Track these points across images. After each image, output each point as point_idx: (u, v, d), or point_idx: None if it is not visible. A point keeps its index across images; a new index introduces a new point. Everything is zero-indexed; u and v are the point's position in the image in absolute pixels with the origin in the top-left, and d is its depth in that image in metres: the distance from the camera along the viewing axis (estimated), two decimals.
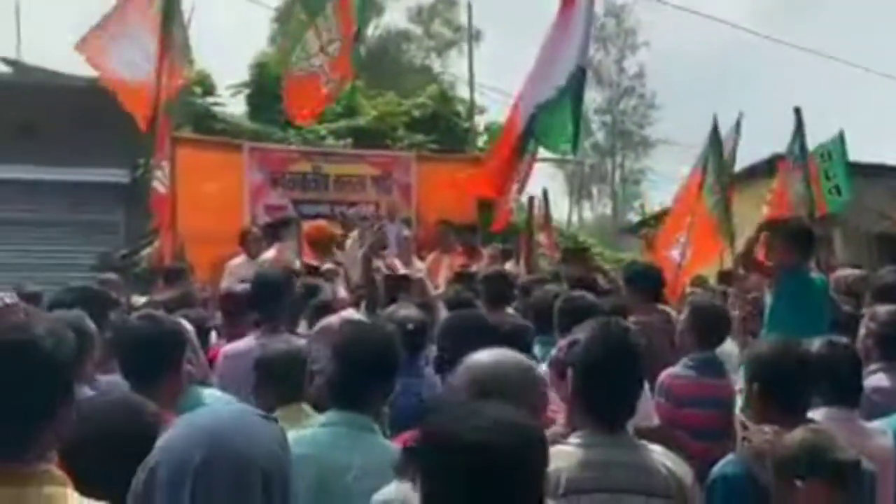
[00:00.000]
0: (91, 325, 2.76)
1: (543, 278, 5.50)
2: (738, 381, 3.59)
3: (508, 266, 6.55)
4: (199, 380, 3.14)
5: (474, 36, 16.44)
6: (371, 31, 27.56)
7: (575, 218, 35.01)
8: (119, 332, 2.78)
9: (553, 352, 3.61)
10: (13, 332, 1.51)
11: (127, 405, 1.80)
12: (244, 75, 12.53)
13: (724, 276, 6.86)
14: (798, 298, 4.30)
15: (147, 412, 1.76)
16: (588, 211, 39.84)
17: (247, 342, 3.69)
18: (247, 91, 12.33)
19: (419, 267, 6.91)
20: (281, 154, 9.13)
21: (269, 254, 6.36)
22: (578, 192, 37.94)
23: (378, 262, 5.40)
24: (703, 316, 3.88)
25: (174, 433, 1.38)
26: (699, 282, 7.34)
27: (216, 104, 11.55)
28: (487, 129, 12.95)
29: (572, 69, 5.45)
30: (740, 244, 5.28)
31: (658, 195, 32.16)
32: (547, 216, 8.31)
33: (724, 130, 6.80)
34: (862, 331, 3.52)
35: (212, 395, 2.83)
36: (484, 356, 2.00)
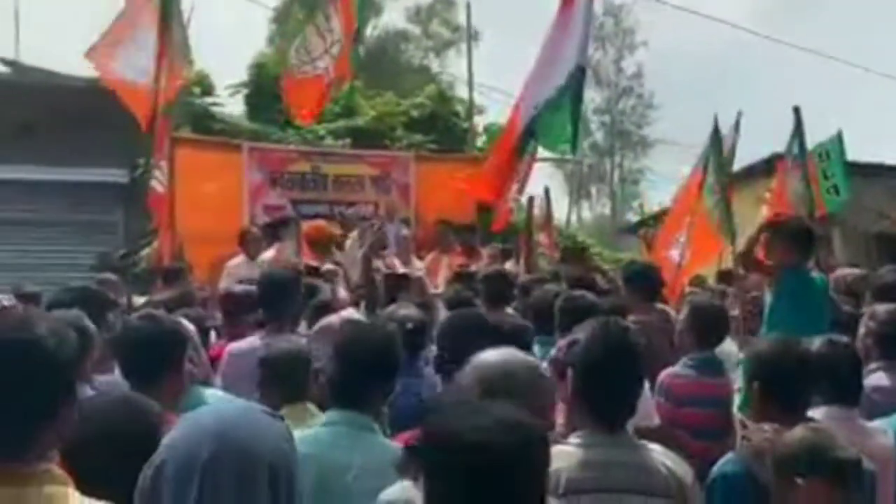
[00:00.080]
0: (90, 324, 2.76)
1: (543, 278, 5.50)
2: (737, 379, 3.61)
3: (508, 266, 6.56)
4: (202, 379, 3.13)
5: (473, 36, 16.40)
6: (369, 31, 27.57)
7: (574, 218, 35.02)
8: (119, 332, 2.78)
9: (552, 351, 3.63)
10: (15, 331, 1.51)
11: (129, 405, 1.80)
12: (243, 75, 12.54)
13: (724, 276, 6.87)
14: (798, 298, 4.30)
15: (149, 412, 1.76)
16: (587, 211, 39.91)
17: (252, 341, 3.70)
18: (245, 91, 12.33)
19: (418, 266, 6.92)
20: (280, 154, 9.13)
21: (269, 254, 6.36)
22: (577, 192, 37.95)
23: (377, 262, 5.40)
24: (703, 315, 3.89)
25: (181, 430, 1.38)
26: (698, 281, 7.35)
27: (215, 104, 11.55)
28: (486, 129, 12.95)
29: (571, 69, 5.45)
30: (741, 243, 5.28)
31: (657, 195, 32.25)
32: (548, 215, 8.31)
33: (724, 130, 6.80)
34: (861, 330, 3.53)
35: (214, 394, 2.83)
36: (491, 356, 1.99)
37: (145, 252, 6.25)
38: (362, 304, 4.71)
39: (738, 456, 2.46)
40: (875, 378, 3.24)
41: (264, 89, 11.82)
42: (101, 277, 5.76)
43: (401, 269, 6.21)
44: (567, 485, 1.95)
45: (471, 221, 8.37)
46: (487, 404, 1.47)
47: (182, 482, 1.30)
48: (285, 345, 3.01)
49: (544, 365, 2.60)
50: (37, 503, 1.43)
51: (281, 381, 2.77)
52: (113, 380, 2.80)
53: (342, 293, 5.15)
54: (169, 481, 1.31)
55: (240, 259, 6.75)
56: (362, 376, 2.33)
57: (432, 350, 3.41)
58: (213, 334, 4.58)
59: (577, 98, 5.60)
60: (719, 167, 6.35)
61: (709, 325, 3.86)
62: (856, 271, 5.67)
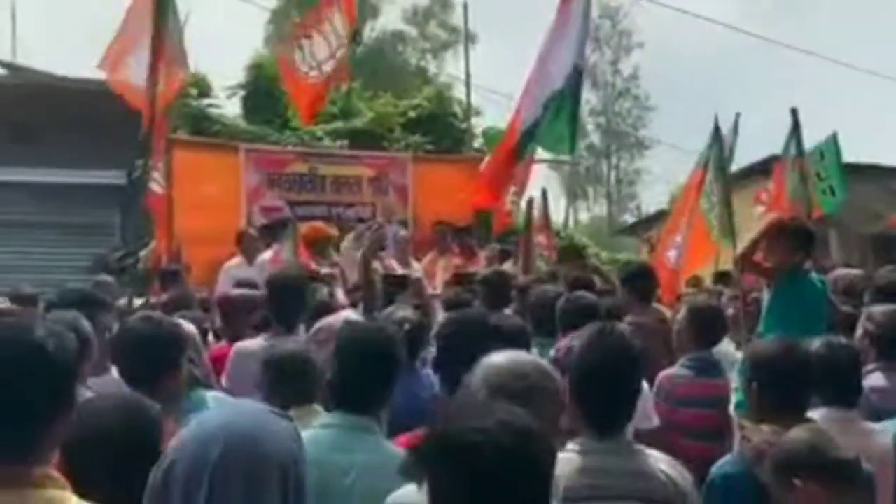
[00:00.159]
0: (87, 326, 2.76)
1: (541, 279, 5.51)
2: (734, 380, 3.61)
3: (506, 267, 6.56)
4: (203, 381, 3.12)
5: (470, 38, 16.40)
6: (367, 32, 27.57)
7: (571, 219, 35.03)
8: (117, 334, 2.77)
9: (552, 352, 3.64)
10: (14, 333, 1.51)
11: (129, 406, 1.80)
12: (240, 77, 12.52)
13: (721, 277, 6.87)
14: (797, 299, 4.31)
15: (149, 413, 1.76)
16: (584, 212, 39.95)
17: (258, 342, 3.70)
18: (242, 93, 12.31)
19: (416, 268, 6.92)
20: (277, 155, 9.14)
21: (266, 255, 6.36)
22: (574, 193, 37.98)
23: (376, 263, 5.39)
24: (701, 316, 3.90)
25: (191, 431, 1.38)
26: (695, 282, 7.36)
27: (212, 106, 11.51)
28: (484, 133, 12.94)
29: (569, 71, 5.47)
30: (740, 246, 5.29)
31: (653, 196, 32.27)
32: (546, 217, 8.31)
33: (723, 131, 6.80)
34: (859, 331, 3.53)
35: (216, 397, 2.83)
36: (501, 358, 1.98)
37: (143, 253, 6.23)
38: (360, 306, 4.71)
39: (738, 456, 2.47)
40: (873, 379, 3.25)
41: (261, 91, 11.81)
42: (98, 279, 5.75)
43: (399, 271, 6.21)
44: (564, 492, 1.94)
45: (469, 223, 8.37)
46: (491, 406, 1.46)
47: (192, 483, 1.31)
48: (291, 346, 2.99)
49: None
50: None
51: (288, 383, 2.75)
52: (109, 379, 2.80)
53: (341, 297, 5.15)
54: (179, 482, 1.32)
55: (237, 260, 6.75)
56: (363, 378, 2.32)
57: (430, 351, 3.41)
58: (210, 336, 4.59)
59: (575, 99, 5.62)
60: (720, 168, 6.35)
61: (707, 326, 3.87)
62: (853, 272, 5.68)
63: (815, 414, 2.61)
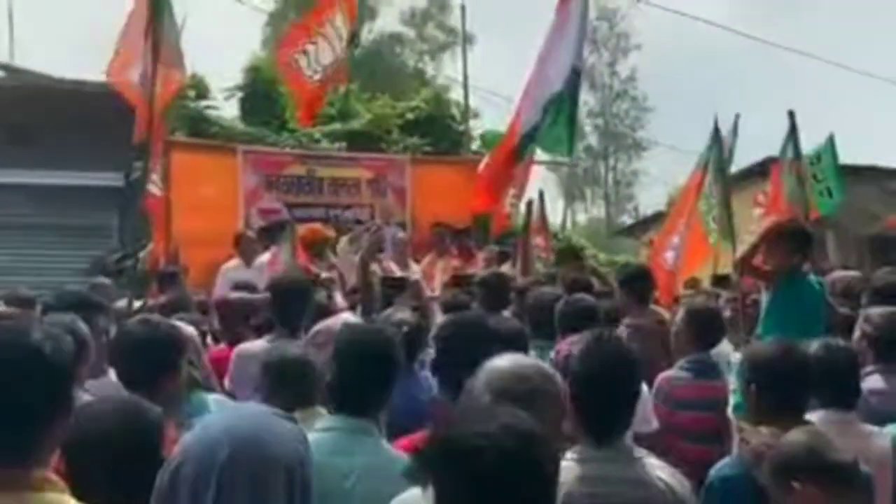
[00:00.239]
0: (85, 328, 2.75)
1: (539, 281, 5.51)
2: (732, 382, 3.61)
3: (504, 269, 6.56)
4: (203, 383, 3.11)
5: (467, 39, 16.43)
6: (365, 34, 27.56)
7: (568, 221, 35.04)
8: (116, 337, 2.77)
9: (552, 354, 3.64)
10: (11, 336, 1.50)
11: (129, 409, 1.80)
12: (237, 79, 12.51)
13: (720, 280, 6.87)
14: (795, 301, 4.31)
15: (150, 416, 1.75)
16: (581, 214, 39.97)
17: (261, 344, 3.69)
18: (240, 94, 12.31)
19: (415, 270, 6.92)
20: (275, 157, 9.13)
21: (264, 257, 6.35)
22: (572, 195, 38.00)
23: (374, 265, 5.39)
24: (699, 318, 3.90)
25: (196, 434, 1.39)
26: (693, 283, 7.36)
27: (209, 108, 11.51)
28: (482, 137, 12.96)
29: (567, 73, 5.48)
30: (739, 248, 5.29)
31: (651, 198, 32.30)
32: (543, 218, 8.32)
33: (722, 133, 6.80)
34: (856, 333, 3.53)
35: (217, 400, 2.82)
36: (503, 361, 1.98)
37: (142, 255, 6.22)
38: (358, 308, 4.70)
39: (737, 459, 2.47)
40: (871, 381, 3.25)
41: (259, 93, 11.81)
42: (95, 281, 5.74)
43: (397, 273, 6.21)
44: (563, 501, 1.94)
45: (467, 225, 8.37)
46: (494, 410, 1.46)
47: (199, 484, 1.31)
48: (291, 349, 2.98)
49: None
50: None
51: (289, 386, 2.74)
52: (106, 382, 2.79)
53: (340, 300, 5.14)
54: (186, 483, 1.32)
55: (235, 262, 6.75)
56: (362, 380, 2.32)
57: (429, 353, 3.41)
58: (209, 338, 4.58)
59: (573, 101, 5.63)
60: (719, 169, 6.35)
61: (705, 328, 3.87)
62: (851, 274, 5.68)
63: (813, 416, 2.61)
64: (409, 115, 12.52)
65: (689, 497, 2.09)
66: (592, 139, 38.35)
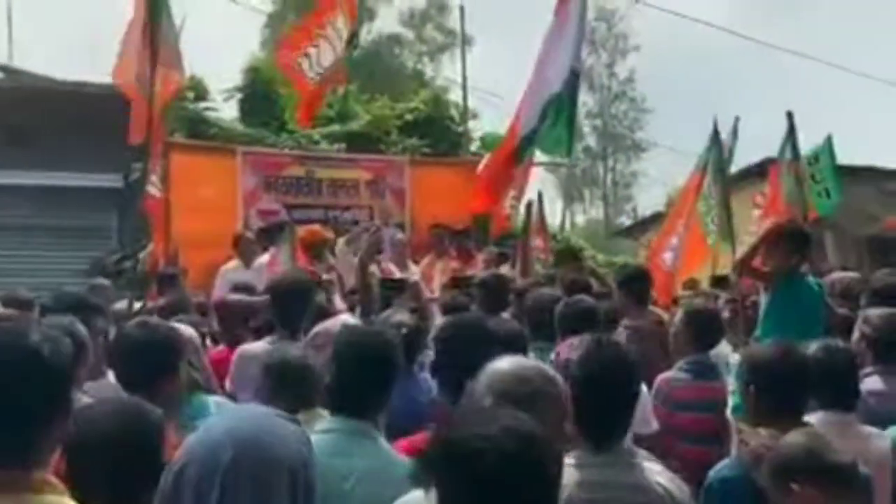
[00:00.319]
0: (83, 330, 2.75)
1: (538, 282, 5.51)
2: (731, 383, 3.61)
3: (504, 270, 6.56)
4: (204, 385, 3.11)
5: (466, 40, 16.43)
6: (363, 35, 27.57)
7: (567, 222, 35.05)
8: (114, 339, 2.76)
9: (551, 357, 3.64)
10: (10, 338, 1.50)
11: (129, 411, 1.80)
12: (236, 80, 12.51)
13: (719, 281, 6.87)
14: (794, 302, 4.31)
15: (150, 418, 1.75)
16: (580, 215, 39.97)
17: (262, 345, 3.69)
18: (239, 95, 12.30)
19: (414, 271, 6.92)
20: (274, 158, 9.13)
21: (263, 258, 6.35)
22: (570, 196, 38.01)
23: (373, 267, 5.39)
24: (697, 319, 3.91)
25: (201, 435, 1.39)
26: (691, 284, 7.36)
27: (208, 109, 11.51)
28: (481, 139, 12.96)
29: (566, 74, 5.49)
30: (738, 250, 5.30)
31: (650, 199, 32.33)
32: (542, 219, 8.32)
33: (722, 134, 6.81)
34: (855, 334, 3.54)
35: (217, 402, 2.82)
36: (505, 364, 1.98)
37: (141, 256, 6.22)
38: (357, 310, 4.70)
39: (736, 460, 2.47)
40: (870, 382, 3.25)
41: (258, 94, 11.80)
42: (94, 283, 5.74)
43: (396, 274, 6.20)
44: None
45: (466, 226, 8.37)
46: (496, 412, 1.46)
47: (203, 486, 1.31)
48: (291, 351, 2.98)
49: None
50: None
51: (289, 387, 2.73)
52: (105, 383, 2.79)
53: (337, 299, 5.14)
54: (190, 484, 1.32)
55: (234, 264, 6.75)
56: (361, 382, 2.32)
57: (428, 355, 3.41)
58: (208, 340, 4.57)
59: (572, 102, 5.64)
60: (718, 171, 6.36)
61: (703, 329, 3.88)
62: (850, 275, 5.69)
63: (812, 417, 2.62)
64: (408, 117, 12.52)
65: (688, 502, 2.09)
66: (591, 140, 38.38)
